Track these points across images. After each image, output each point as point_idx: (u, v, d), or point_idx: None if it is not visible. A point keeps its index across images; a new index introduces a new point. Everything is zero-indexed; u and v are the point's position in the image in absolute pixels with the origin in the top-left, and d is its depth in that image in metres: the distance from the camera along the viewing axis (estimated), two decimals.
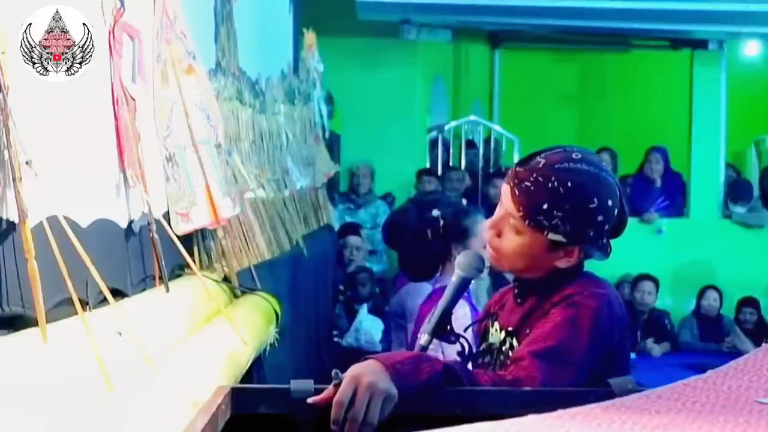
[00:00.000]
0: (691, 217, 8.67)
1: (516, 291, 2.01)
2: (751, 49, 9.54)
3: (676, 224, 8.59)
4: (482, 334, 2.05)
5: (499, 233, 1.96)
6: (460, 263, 2.04)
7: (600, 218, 1.88)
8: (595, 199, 1.87)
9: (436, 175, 8.37)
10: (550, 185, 1.86)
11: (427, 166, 8.60)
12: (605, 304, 1.87)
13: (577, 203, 1.86)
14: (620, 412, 1.16)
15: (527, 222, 1.89)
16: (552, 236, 1.88)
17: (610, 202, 1.89)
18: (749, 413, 1.16)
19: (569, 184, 1.86)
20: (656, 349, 7.74)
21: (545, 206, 1.86)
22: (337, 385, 1.64)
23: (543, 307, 1.91)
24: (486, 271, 3.07)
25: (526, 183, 1.88)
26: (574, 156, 1.90)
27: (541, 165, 1.89)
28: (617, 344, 1.92)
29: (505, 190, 1.94)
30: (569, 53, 9.89)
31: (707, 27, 8.28)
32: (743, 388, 1.29)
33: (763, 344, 1.74)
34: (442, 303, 2.00)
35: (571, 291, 1.88)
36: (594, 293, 1.88)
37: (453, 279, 2.04)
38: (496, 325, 2.02)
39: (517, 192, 1.90)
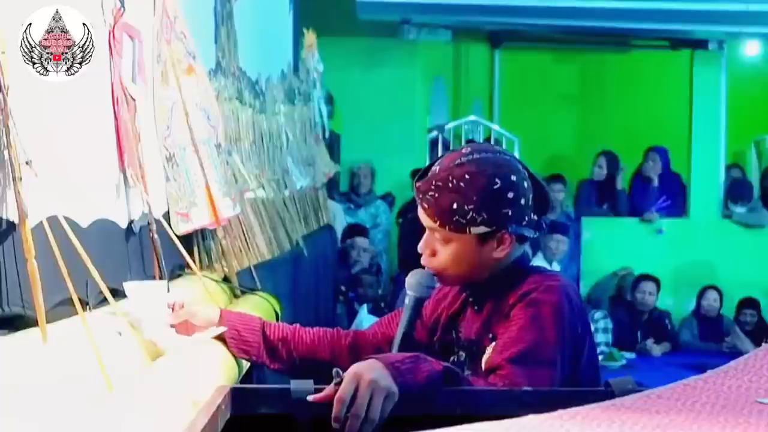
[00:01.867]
0: (691, 217, 8.67)
1: (471, 299, 2.01)
2: (751, 49, 9.54)
3: (676, 224, 8.59)
4: (446, 347, 2.04)
5: (433, 253, 1.97)
6: (410, 283, 2.02)
7: (510, 195, 1.89)
8: (497, 180, 1.88)
9: None
10: (450, 185, 1.89)
11: (426, 165, 8.58)
12: (563, 295, 1.88)
13: (481, 190, 1.87)
14: (620, 412, 1.16)
15: (447, 228, 1.91)
16: (474, 230, 1.90)
17: (513, 177, 1.90)
18: (749, 413, 1.16)
19: (467, 176, 1.88)
20: (656, 349, 7.74)
21: (455, 206, 1.88)
22: (338, 384, 1.64)
23: (501, 310, 1.91)
24: None
25: (430, 193, 1.91)
26: (463, 151, 1.94)
27: (437, 171, 1.92)
28: (582, 330, 1.92)
29: (419, 210, 1.96)
30: (569, 53, 9.88)
31: (707, 27, 8.28)
32: (743, 388, 1.29)
33: (763, 344, 1.74)
34: (401, 328, 2.00)
35: (526, 289, 1.88)
36: (549, 287, 1.88)
37: (406, 301, 2.01)
38: (460, 336, 2.01)
39: (426, 205, 1.93)
